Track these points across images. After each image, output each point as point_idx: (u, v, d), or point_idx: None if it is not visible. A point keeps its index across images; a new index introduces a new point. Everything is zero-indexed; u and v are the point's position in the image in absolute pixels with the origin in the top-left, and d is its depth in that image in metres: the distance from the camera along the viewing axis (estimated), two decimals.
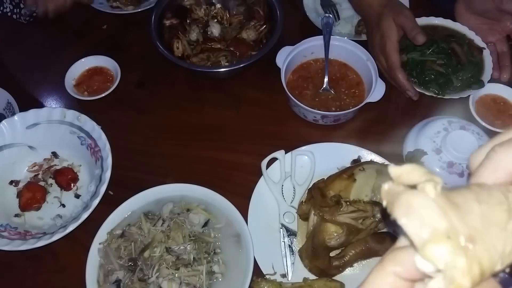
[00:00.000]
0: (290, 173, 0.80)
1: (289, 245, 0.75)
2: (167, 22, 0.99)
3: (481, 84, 0.89)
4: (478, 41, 0.94)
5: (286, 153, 0.81)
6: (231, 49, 0.96)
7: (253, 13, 1.01)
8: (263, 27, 1.00)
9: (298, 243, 0.75)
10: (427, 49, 0.91)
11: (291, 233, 0.76)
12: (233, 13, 1.04)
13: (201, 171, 0.84)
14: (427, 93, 0.88)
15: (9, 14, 1.07)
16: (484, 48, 0.93)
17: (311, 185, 0.78)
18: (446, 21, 0.98)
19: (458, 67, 0.90)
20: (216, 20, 1.02)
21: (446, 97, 0.88)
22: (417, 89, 0.88)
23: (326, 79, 0.92)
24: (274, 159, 0.81)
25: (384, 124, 0.90)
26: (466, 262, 0.20)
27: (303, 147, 0.83)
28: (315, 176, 0.78)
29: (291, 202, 0.78)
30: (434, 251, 0.20)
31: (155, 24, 0.96)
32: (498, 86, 0.91)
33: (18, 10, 1.07)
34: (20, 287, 0.75)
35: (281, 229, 0.76)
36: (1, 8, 1.07)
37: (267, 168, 0.80)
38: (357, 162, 0.79)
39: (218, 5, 1.04)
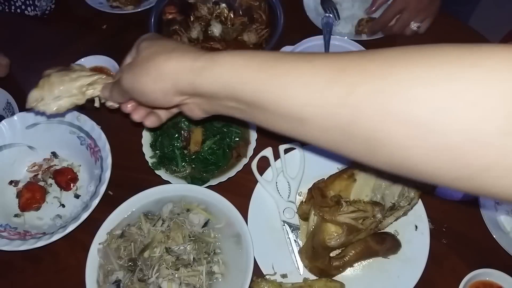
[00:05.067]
0: (281, 169, 0.81)
1: (294, 240, 0.75)
2: (169, 16, 0.99)
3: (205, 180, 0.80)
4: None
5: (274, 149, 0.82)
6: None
7: (255, 16, 1.01)
8: (264, 31, 1.00)
9: (301, 235, 0.76)
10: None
11: (294, 228, 0.76)
12: (239, 13, 1.03)
13: None
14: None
15: (22, 7, 1.07)
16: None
17: (303, 176, 0.79)
18: None
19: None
20: (219, 19, 1.02)
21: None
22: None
23: None
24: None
25: None
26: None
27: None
28: (315, 176, 0.78)
29: (288, 198, 0.79)
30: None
31: (155, 23, 0.96)
32: None
33: (31, 1, 1.07)
34: (19, 287, 0.75)
35: (284, 226, 0.76)
36: (11, 2, 1.07)
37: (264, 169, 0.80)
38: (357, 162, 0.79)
39: (223, 5, 1.04)
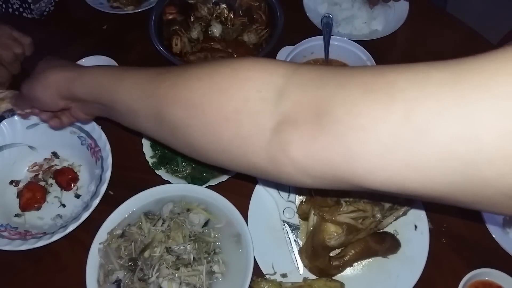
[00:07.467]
0: None
1: (294, 239, 0.76)
2: (170, 16, 0.99)
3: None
4: None
5: None
6: (230, 50, 0.97)
7: (255, 17, 1.01)
8: (264, 31, 1.00)
9: (301, 235, 0.76)
10: None
11: (294, 227, 0.77)
12: (239, 14, 1.04)
13: None
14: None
15: (20, 10, 1.07)
16: None
17: None
18: None
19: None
20: (219, 20, 1.02)
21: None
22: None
23: None
24: None
25: None
26: None
27: None
28: None
29: (288, 198, 0.79)
30: None
31: (155, 23, 0.96)
32: None
33: (26, 5, 1.07)
34: (20, 287, 0.75)
35: (283, 226, 0.77)
36: (9, 5, 1.07)
37: None
38: None
39: (223, 5, 1.04)
